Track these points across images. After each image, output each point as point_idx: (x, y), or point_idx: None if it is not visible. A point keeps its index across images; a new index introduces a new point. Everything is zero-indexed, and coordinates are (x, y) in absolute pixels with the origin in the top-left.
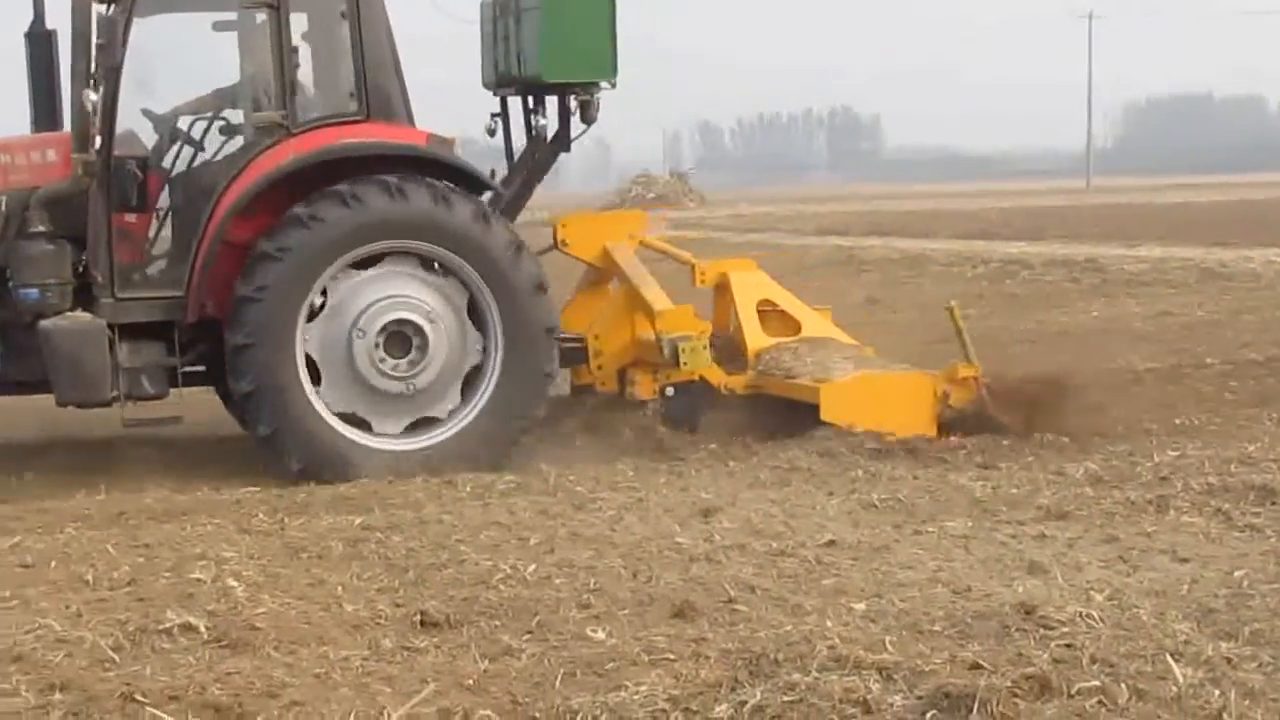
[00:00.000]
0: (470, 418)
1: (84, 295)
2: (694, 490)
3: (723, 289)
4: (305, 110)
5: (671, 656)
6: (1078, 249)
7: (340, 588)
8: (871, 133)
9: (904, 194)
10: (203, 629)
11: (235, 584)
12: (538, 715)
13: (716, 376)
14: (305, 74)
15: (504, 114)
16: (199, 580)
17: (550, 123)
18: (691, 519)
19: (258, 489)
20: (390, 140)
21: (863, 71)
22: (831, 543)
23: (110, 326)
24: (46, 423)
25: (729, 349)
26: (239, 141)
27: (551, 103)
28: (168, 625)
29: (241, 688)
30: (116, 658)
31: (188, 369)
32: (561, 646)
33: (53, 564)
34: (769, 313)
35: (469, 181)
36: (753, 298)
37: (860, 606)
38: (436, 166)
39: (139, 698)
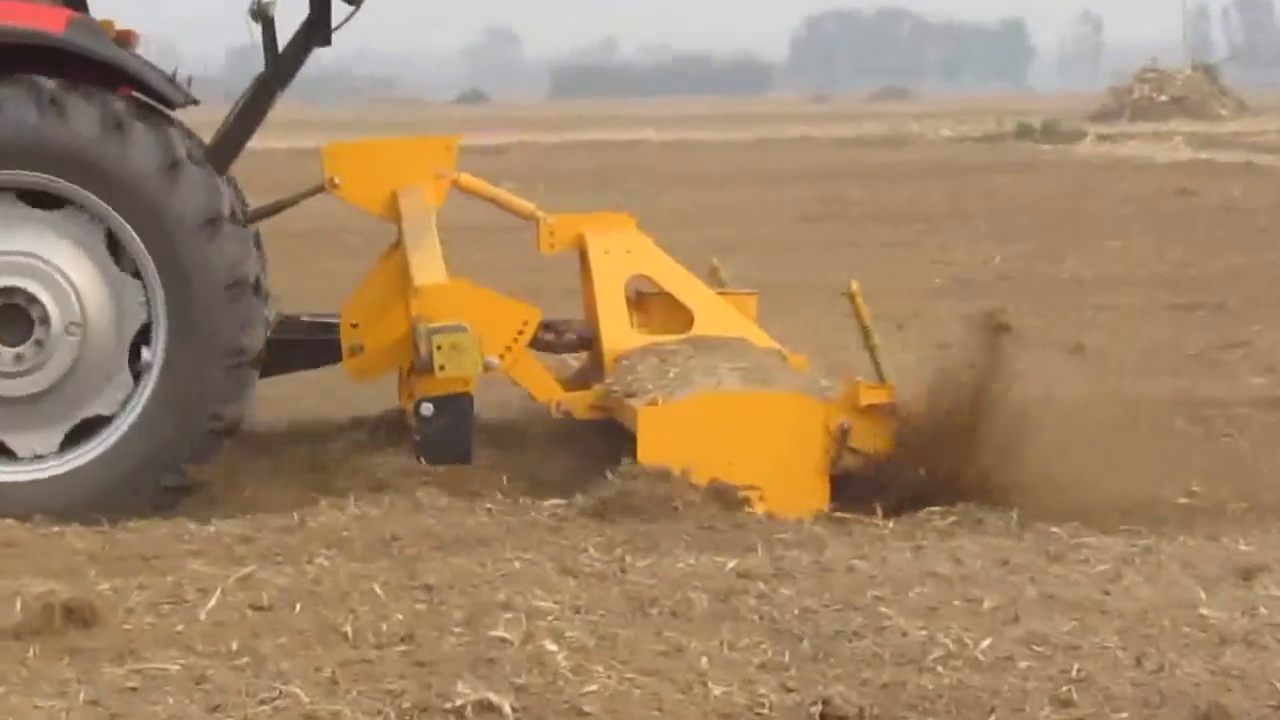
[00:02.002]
0: (132, 416)
1: None
2: (1227, 539)
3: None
4: None
5: None
6: None
7: (705, 659)
8: None
9: None
10: (508, 709)
11: (555, 648)
12: None
13: (548, 391)
14: None
15: None
16: (503, 640)
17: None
18: (1223, 581)
19: None
20: (8, 24)
21: None
22: None
23: None
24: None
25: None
26: None
27: None
28: (459, 703)
29: None
30: None
31: None
32: None
33: (298, 608)
34: (652, 298)
35: (142, 88)
36: (619, 274)
37: None
38: (82, 63)
39: None
